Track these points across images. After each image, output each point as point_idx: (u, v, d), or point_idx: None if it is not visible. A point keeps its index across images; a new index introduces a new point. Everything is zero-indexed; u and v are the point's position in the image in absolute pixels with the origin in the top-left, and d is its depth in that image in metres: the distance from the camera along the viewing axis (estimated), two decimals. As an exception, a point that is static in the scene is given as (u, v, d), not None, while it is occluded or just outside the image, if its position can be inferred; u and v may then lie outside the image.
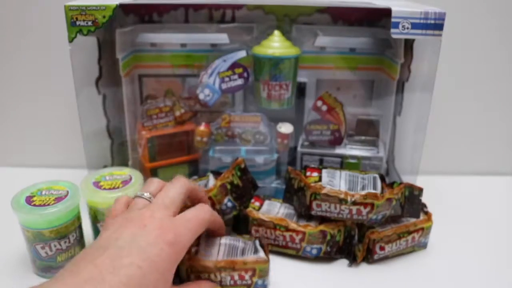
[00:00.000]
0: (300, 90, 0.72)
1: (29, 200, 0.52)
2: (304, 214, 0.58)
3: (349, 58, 0.72)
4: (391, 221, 0.58)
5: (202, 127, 0.69)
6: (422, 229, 0.59)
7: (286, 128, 0.69)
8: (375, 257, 0.57)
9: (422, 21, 0.57)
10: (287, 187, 0.62)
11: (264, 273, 0.49)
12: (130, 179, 0.58)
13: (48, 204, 0.51)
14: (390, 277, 0.56)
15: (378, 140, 0.73)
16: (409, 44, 0.67)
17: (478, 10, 0.76)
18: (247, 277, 0.48)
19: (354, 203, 0.54)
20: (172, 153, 0.71)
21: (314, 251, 0.57)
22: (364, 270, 0.57)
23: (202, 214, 0.46)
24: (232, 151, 0.69)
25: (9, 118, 0.83)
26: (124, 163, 0.73)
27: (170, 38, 0.70)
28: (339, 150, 0.71)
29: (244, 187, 0.61)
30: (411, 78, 0.69)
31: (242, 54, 0.66)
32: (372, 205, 0.54)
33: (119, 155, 0.74)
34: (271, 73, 0.65)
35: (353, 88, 0.75)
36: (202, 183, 0.63)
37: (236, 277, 0.48)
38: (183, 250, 0.42)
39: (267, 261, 0.49)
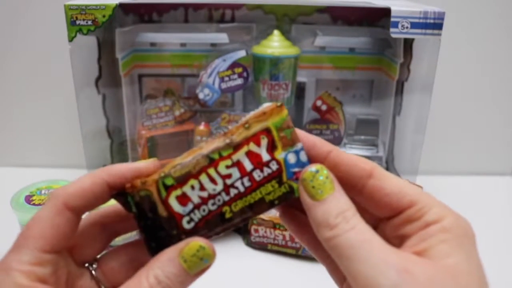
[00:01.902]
0: (300, 90, 0.72)
1: (28, 199, 0.52)
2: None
3: (349, 58, 0.72)
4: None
5: (201, 127, 0.69)
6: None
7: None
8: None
9: (421, 20, 0.57)
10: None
11: (289, 135, 0.26)
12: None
13: (48, 203, 0.51)
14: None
15: (377, 140, 0.73)
16: (408, 44, 0.67)
17: (477, 10, 0.76)
18: (264, 154, 0.25)
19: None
20: (171, 153, 0.71)
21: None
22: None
23: None
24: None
25: (9, 118, 0.83)
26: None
27: (169, 38, 0.70)
28: (338, 150, 0.71)
29: None
30: (411, 78, 0.69)
31: (241, 53, 0.66)
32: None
33: (118, 155, 0.74)
34: (270, 72, 0.65)
35: (353, 88, 0.75)
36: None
37: (248, 165, 0.25)
38: None
39: (282, 107, 0.26)
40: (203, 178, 0.25)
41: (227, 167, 0.25)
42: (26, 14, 0.76)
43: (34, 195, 0.53)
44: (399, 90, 0.71)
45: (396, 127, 0.75)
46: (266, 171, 0.25)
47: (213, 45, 0.70)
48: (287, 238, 0.57)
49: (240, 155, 0.25)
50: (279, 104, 0.26)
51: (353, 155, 0.26)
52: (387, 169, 0.75)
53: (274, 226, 0.57)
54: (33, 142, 0.84)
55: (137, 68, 0.72)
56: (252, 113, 0.26)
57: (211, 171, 0.25)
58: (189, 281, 0.25)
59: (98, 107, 0.71)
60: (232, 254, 0.60)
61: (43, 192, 0.53)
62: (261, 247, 0.61)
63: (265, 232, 0.58)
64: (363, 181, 0.25)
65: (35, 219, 0.25)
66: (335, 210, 0.24)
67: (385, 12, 0.58)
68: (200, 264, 0.25)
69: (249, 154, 0.25)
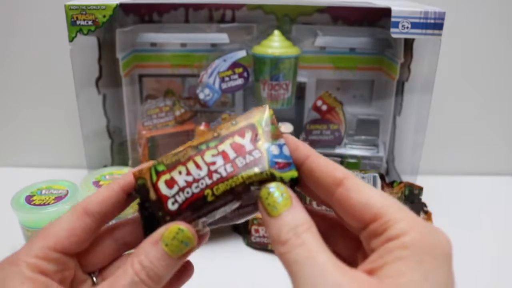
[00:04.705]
0: (300, 90, 0.72)
1: (29, 199, 0.52)
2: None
3: (349, 58, 0.72)
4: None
5: (202, 127, 0.69)
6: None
7: (285, 128, 0.69)
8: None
9: (422, 20, 0.57)
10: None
11: (273, 130, 0.27)
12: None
13: (48, 204, 0.51)
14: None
15: (378, 140, 0.73)
16: (409, 44, 0.67)
17: (478, 10, 0.76)
18: (247, 144, 0.27)
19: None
20: (172, 153, 0.71)
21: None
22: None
23: None
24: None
25: (9, 118, 0.83)
26: (124, 163, 0.73)
27: (170, 38, 0.70)
28: (339, 150, 0.71)
29: None
30: (411, 78, 0.69)
31: (242, 54, 0.66)
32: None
33: (119, 155, 0.74)
34: (271, 73, 0.65)
35: (353, 88, 0.75)
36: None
37: (231, 153, 0.27)
38: None
39: (267, 107, 0.28)
40: (190, 164, 0.27)
41: (213, 155, 0.27)
42: (26, 14, 0.76)
43: (34, 195, 0.53)
44: (400, 90, 0.71)
45: (396, 127, 0.75)
46: (249, 158, 0.27)
47: (213, 45, 0.70)
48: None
49: (225, 146, 0.27)
50: (264, 105, 0.29)
51: (331, 162, 0.26)
52: (388, 169, 0.75)
53: (275, 226, 0.57)
54: (33, 142, 0.84)
55: (137, 68, 0.72)
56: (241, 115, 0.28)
57: (198, 159, 0.27)
58: (173, 265, 0.25)
59: (99, 107, 0.71)
60: (233, 254, 0.60)
61: (43, 192, 0.53)
62: (261, 247, 0.61)
63: (266, 232, 0.58)
64: (333, 189, 0.25)
65: (55, 221, 0.27)
66: (287, 226, 0.24)
67: (386, 12, 0.58)
68: (181, 247, 0.25)
69: (233, 145, 0.27)
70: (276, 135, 0.27)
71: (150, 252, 0.25)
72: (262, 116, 0.28)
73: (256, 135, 0.27)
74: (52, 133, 0.83)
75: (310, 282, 0.21)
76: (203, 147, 0.27)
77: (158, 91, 0.74)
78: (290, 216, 0.24)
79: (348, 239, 0.28)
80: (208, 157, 0.27)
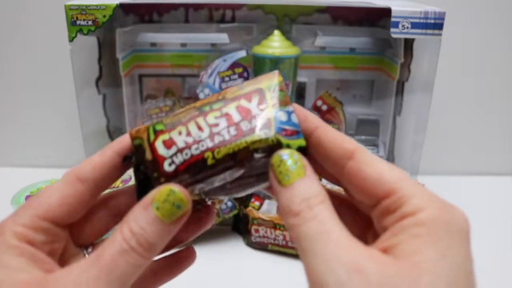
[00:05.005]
0: (300, 90, 0.72)
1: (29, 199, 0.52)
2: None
3: (349, 58, 0.72)
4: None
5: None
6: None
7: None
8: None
9: (422, 20, 0.57)
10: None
11: (281, 97, 0.26)
12: (130, 178, 0.58)
13: (48, 204, 0.51)
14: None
15: (378, 140, 0.73)
16: (409, 44, 0.67)
17: (478, 10, 0.76)
18: (254, 108, 0.25)
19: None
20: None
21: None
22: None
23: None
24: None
25: (9, 118, 0.83)
26: (124, 163, 0.73)
27: (170, 38, 0.70)
28: (339, 150, 0.71)
29: None
30: (411, 78, 0.69)
31: (242, 54, 0.66)
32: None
33: (119, 155, 0.74)
34: (271, 73, 0.65)
35: (353, 88, 0.75)
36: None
37: (236, 116, 0.25)
38: None
39: (276, 73, 0.27)
40: (191, 125, 0.25)
41: (216, 117, 0.25)
42: (26, 14, 0.76)
43: (34, 195, 0.53)
44: (400, 90, 0.71)
45: (396, 127, 0.75)
46: (254, 122, 0.25)
47: (213, 45, 0.70)
48: (288, 238, 0.57)
49: (230, 108, 0.25)
50: (274, 71, 0.27)
51: (341, 134, 0.25)
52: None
53: (275, 226, 0.57)
54: (33, 142, 0.84)
55: (137, 68, 0.72)
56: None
57: (200, 120, 0.25)
58: (166, 231, 0.23)
59: (99, 107, 0.71)
60: (233, 254, 0.60)
61: (43, 192, 0.53)
62: (261, 247, 0.61)
63: (266, 232, 0.58)
64: (343, 162, 0.24)
65: (45, 189, 0.25)
66: (300, 196, 0.22)
67: (386, 12, 0.58)
68: (173, 210, 0.23)
69: (239, 108, 0.25)
70: (284, 102, 0.25)
71: (140, 217, 0.23)
72: (270, 81, 0.26)
73: (264, 99, 0.26)
74: (52, 133, 0.83)
75: (322, 259, 0.20)
76: (207, 108, 0.25)
77: (158, 91, 0.74)
78: (303, 186, 0.22)
79: (358, 218, 0.26)
80: (211, 118, 0.25)
